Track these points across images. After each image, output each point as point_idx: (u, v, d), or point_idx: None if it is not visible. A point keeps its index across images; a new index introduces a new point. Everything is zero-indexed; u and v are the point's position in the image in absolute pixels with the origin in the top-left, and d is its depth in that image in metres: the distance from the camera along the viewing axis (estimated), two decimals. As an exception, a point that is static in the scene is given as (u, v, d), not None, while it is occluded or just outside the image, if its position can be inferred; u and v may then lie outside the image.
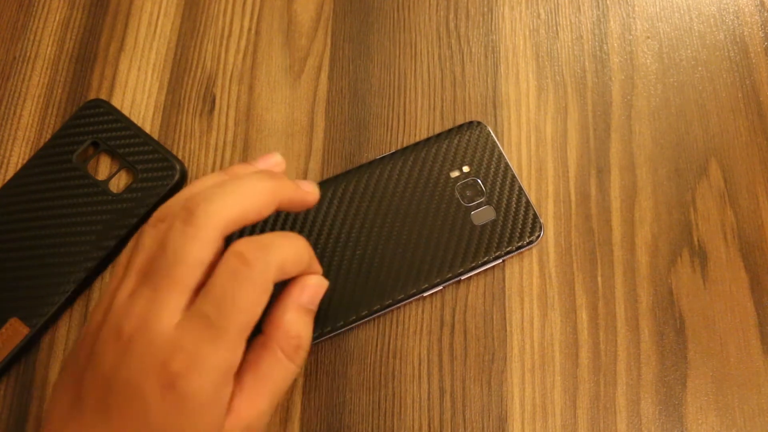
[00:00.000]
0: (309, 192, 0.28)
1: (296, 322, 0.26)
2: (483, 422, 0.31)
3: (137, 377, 0.23)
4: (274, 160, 0.30)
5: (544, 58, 0.38)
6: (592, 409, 0.31)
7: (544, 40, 0.38)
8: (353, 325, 0.32)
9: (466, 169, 0.34)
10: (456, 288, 0.33)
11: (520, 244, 0.33)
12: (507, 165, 0.34)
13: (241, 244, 0.24)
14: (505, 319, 0.33)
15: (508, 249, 0.33)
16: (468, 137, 0.35)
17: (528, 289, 0.33)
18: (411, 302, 0.33)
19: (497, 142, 0.35)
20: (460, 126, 0.35)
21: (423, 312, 0.33)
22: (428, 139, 0.35)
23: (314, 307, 0.27)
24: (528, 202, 0.34)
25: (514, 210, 0.33)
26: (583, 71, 0.38)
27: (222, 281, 0.24)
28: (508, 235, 0.33)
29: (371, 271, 0.32)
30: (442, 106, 0.37)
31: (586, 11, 0.39)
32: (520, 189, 0.34)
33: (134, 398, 0.23)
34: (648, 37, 0.39)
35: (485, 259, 0.32)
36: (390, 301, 0.32)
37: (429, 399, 0.32)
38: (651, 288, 0.33)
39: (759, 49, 0.38)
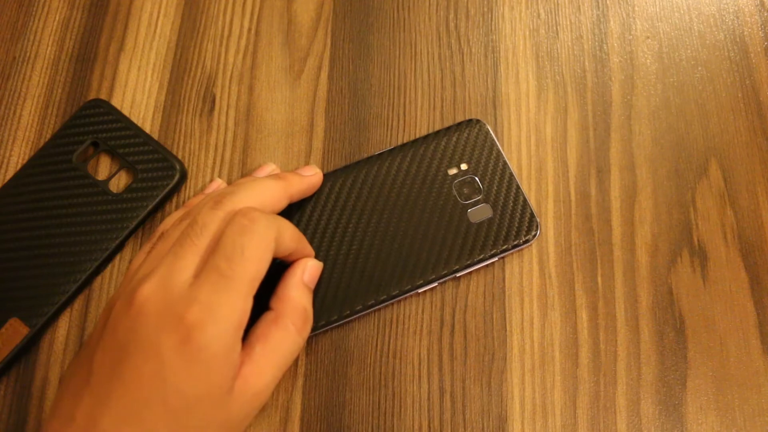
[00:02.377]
0: (312, 175, 0.33)
1: (302, 297, 0.29)
2: (483, 422, 0.31)
3: (154, 334, 0.25)
4: (270, 169, 0.34)
5: (544, 58, 0.38)
6: (592, 409, 0.31)
7: (544, 40, 0.38)
8: (347, 319, 0.32)
9: (464, 166, 0.34)
10: (456, 287, 0.33)
11: (516, 242, 0.33)
12: (505, 163, 0.34)
13: (247, 208, 0.28)
14: (505, 318, 0.33)
15: (503, 247, 0.33)
16: (467, 135, 0.35)
17: (528, 288, 0.33)
18: (409, 301, 0.33)
19: (496, 140, 0.35)
20: (459, 123, 0.35)
21: (423, 312, 0.33)
22: (427, 136, 0.35)
23: (313, 285, 0.31)
24: (525, 200, 0.34)
25: (511, 208, 0.33)
26: (583, 71, 0.38)
27: (231, 236, 0.26)
28: (504, 233, 0.33)
29: (366, 266, 0.32)
30: (442, 106, 0.37)
31: (586, 11, 0.39)
32: (518, 187, 0.34)
33: (150, 357, 0.24)
34: (648, 37, 0.39)
35: (480, 256, 0.32)
36: (384, 296, 0.32)
37: (429, 399, 0.32)
38: (651, 288, 0.33)
39: (759, 49, 0.38)
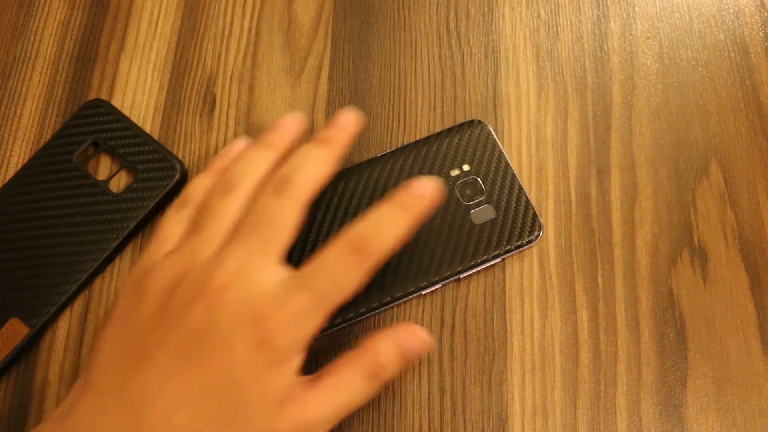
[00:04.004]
0: (350, 127, 0.31)
1: (388, 354, 0.27)
2: (483, 422, 0.31)
3: (231, 326, 0.25)
4: (293, 122, 0.32)
5: (545, 59, 0.38)
6: (592, 410, 0.31)
7: (544, 41, 0.38)
8: (352, 321, 0.32)
9: (466, 167, 0.34)
10: (456, 288, 0.33)
11: (519, 243, 0.33)
12: (507, 164, 0.34)
13: (357, 227, 0.27)
14: (505, 319, 0.33)
15: (507, 248, 0.33)
16: (468, 136, 0.35)
17: (528, 289, 0.33)
18: (410, 301, 0.33)
19: (498, 141, 0.35)
20: (461, 124, 0.35)
21: (423, 312, 0.33)
22: (428, 138, 0.35)
23: (406, 360, 0.27)
24: (528, 201, 0.33)
25: (513, 209, 0.33)
26: (583, 71, 0.38)
27: (331, 261, 0.26)
28: (507, 234, 0.33)
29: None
30: (443, 107, 0.37)
31: (587, 11, 0.39)
32: (520, 188, 0.34)
33: (222, 347, 0.24)
34: (648, 38, 0.39)
35: (484, 257, 0.32)
36: (389, 298, 0.32)
37: (429, 399, 0.32)
38: (651, 288, 0.33)
39: (759, 50, 0.38)
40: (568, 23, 0.39)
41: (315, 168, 0.29)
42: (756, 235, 0.34)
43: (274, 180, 0.28)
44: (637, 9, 0.39)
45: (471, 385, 0.32)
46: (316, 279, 0.26)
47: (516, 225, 0.33)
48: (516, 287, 0.33)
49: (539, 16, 0.39)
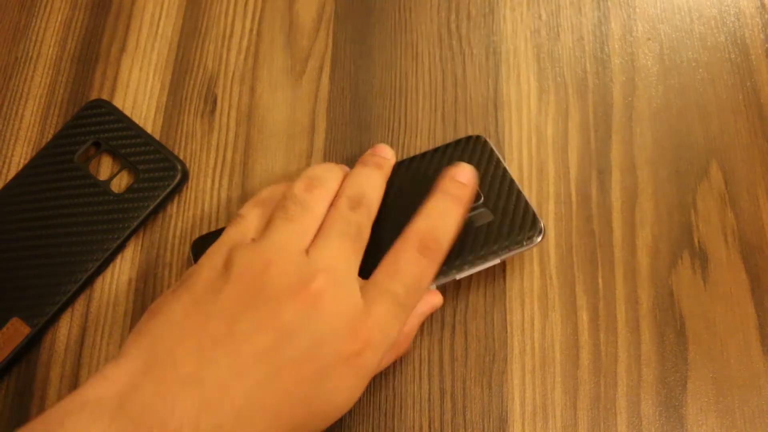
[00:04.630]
0: (392, 159, 0.33)
1: (412, 327, 0.29)
2: (483, 423, 0.31)
3: (327, 335, 0.25)
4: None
5: (545, 60, 0.38)
6: (592, 410, 0.31)
7: (545, 42, 0.39)
8: None
9: None
10: (456, 289, 0.33)
11: (518, 240, 0.32)
12: (505, 170, 0.34)
13: (420, 225, 0.28)
14: (505, 320, 0.33)
15: (505, 245, 0.31)
16: (465, 148, 0.34)
17: (529, 290, 0.33)
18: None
19: (496, 151, 0.34)
20: (459, 140, 0.35)
21: (424, 313, 0.33)
22: (425, 153, 0.35)
23: (422, 318, 0.30)
24: (527, 203, 0.33)
25: (512, 212, 0.33)
26: (584, 73, 0.38)
27: (405, 263, 0.27)
28: (505, 234, 0.32)
29: (368, 276, 0.32)
30: (444, 108, 0.37)
31: (587, 13, 0.39)
32: (519, 192, 0.33)
33: (316, 357, 0.25)
34: (649, 39, 0.39)
35: (481, 254, 0.31)
36: None
37: (429, 400, 0.32)
38: (651, 289, 0.33)
39: (760, 51, 0.38)
40: (569, 24, 0.39)
41: (379, 188, 0.31)
42: (756, 236, 0.34)
43: (349, 195, 0.29)
44: (637, 10, 0.39)
45: (471, 385, 0.32)
46: (392, 284, 0.27)
47: (515, 226, 0.32)
48: (516, 288, 0.33)
49: (540, 17, 0.39)
